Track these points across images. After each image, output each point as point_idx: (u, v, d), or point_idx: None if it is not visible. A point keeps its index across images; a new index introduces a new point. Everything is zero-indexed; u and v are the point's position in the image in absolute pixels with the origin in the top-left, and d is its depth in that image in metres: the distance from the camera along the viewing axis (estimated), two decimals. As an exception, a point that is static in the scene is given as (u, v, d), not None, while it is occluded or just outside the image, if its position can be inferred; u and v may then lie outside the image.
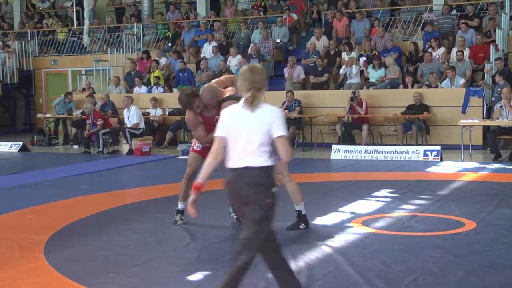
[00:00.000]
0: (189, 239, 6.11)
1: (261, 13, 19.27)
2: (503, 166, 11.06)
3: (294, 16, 18.43)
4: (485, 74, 14.16)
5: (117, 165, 12.54)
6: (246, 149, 3.86)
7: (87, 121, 14.96)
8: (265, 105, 3.96)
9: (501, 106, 11.95)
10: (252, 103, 3.90)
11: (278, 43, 17.50)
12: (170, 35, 19.38)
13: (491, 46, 14.36)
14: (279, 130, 3.87)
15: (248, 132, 3.87)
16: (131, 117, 14.58)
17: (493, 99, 12.94)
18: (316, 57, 16.12)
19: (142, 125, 14.71)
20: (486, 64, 14.21)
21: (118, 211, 7.66)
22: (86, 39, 19.75)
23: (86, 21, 19.53)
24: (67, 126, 17.13)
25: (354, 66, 15.24)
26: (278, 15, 18.41)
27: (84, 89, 18.34)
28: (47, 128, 17.37)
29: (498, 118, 11.98)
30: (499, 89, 12.66)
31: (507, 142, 13.22)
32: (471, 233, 6.12)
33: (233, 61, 16.90)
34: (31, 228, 6.82)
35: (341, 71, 15.44)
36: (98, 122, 14.71)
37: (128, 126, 14.59)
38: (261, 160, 3.86)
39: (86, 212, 7.54)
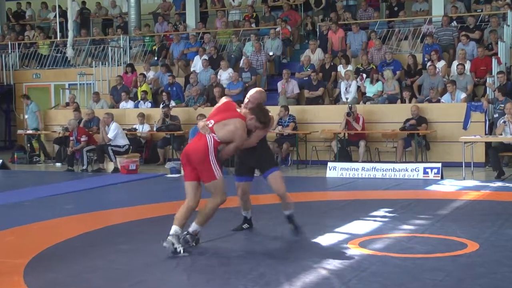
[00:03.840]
0: (178, 261, 6.08)
1: (253, 25, 19.37)
2: (507, 184, 11.10)
3: (289, 28, 18.53)
4: (487, 88, 14.26)
5: (102, 183, 12.50)
6: None
7: (71, 138, 14.94)
8: None
9: (504, 122, 12.02)
10: None
11: (271, 56, 17.58)
12: (156, 49, 19.44)
13: (493, 59, 14.47)
14: None
15: None
16: (110, 134, 14.51)
17: (496, 115, 13.02)
18: (310, 70, 16.19)
19: (123, 142, 14.65)
20: (488, 78, 14.31)
21: (103, 232, 7.63)
22: (69, 52, 19.76)
23: (70, 33, 19.56)
24: (44, 142, 17.16)
25: (354, 81, 15.32)
26: (271, 27, 18.50)
27: (67, 104, 18.33)
28: (28, 145, 17.34)
29: (501, 134, 12.04)
30: (502, 105, 12.74)
31: (510, 159, 13.29)
32: (474, 255, 6.12)
33: (224, 74, 16.96)
34: (10, 251, 6.78)
35: (341, 85, 15.49)
36: (82, 139, 14.69)
37: (112, 144, 14.54)
38: None
39: (69, 233, 7.51)
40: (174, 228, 6.28)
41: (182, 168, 6.67)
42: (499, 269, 5.64)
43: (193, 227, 6.48)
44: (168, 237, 6.22)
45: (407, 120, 13.73)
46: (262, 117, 6.66)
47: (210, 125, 6.42)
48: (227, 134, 6.43)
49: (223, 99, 6.87)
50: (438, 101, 14.23)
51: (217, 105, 6.84)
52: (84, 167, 14.71)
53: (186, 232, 6.44)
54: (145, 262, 6.10)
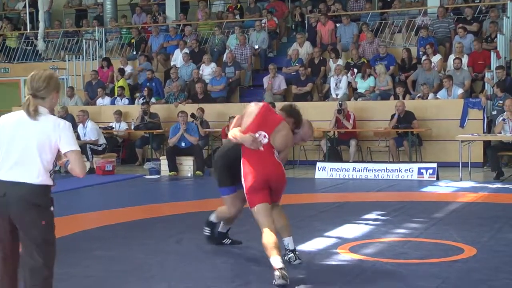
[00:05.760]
0: (158, 268, 6.08)
1: (237, 17, 19.36)
2: (506, 185, 11.19)
3: (276, 20, 18.55)
4: (485, 84, 14.35)
5: (76, 185, 12.43)
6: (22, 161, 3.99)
7: (42, 137, 14.85)
8: (51, 117, 4.07)
9: (503, 119, 12.10)
10: (29, 110, 4.01)
11: (256, 49, 17.59)
12: (134, 42, 19.37)
13: (492, 53, 14.56)
14: (68, 145, 4.03)
15: (25, 143, 3.99)
16: (89, 133, 14.48)
17: (495, 112, 13.11)
18: (298, 65, 16.22)
19: (102, 141, 14.63)
20: (486, 73, 14.40)
21: (77, 238, 7.61)
22: (40, 45, 19.67)
23: (41, 24, 19.47)
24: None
25: (344, 76, 15.34)
26: (256, 18, 18.51)
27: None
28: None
29: (500, 133, 12.12)
30: (500, 101, 12.83)
31: (510, 159, 13.38)
32: (471, 261, 6.17)
33: (207, 69, 16.95)
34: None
35: (331, 81, 15.51)
36: (54, 138, 14.60)
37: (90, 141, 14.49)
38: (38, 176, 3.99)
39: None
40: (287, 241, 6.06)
41: (251, 193, 5.82)
42: (497, 275, 5.68)
43: (289, 241, 6.09)
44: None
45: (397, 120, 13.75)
46: (299, 119, 6.22)
47: (266, 140, 5.84)
48: (283, 141, 5.95)
49: (256, 105, 6.14)
50: (426, 97, 14.27)
51: (252, 109, 6.07)
52: (56, 168, 14.58)
53: (290, 252, 6.08)
54: (122, 269, 6.09)
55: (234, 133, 5.94)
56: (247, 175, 5.81)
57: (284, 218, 6.12)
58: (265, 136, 5.85)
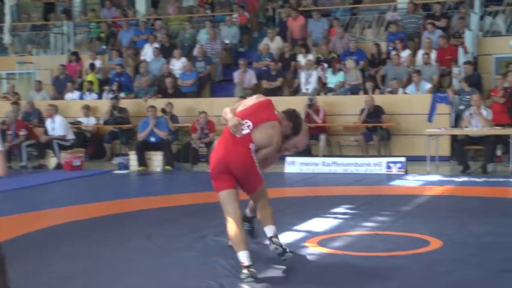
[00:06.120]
0: (127, 264, 6.05)
1: (208, 11, 19.32)
2: (472, 179, 11.34)
3: (247, 15, 18.53)
4: (453, 78, 14.50)
5: (43, 181, 12.37)
6: None
7: (8, 132, 14.71)
8: None
9: (470, 114, 12.25)
10: None
11: (227, 44, 17.56)
12: (104, 36, 19.22)
13: (460, 49, 14.70)
14: None
15: None
16: (57, 128, 14.40)
17: (462, 107, 13.26)
18: (269, 60, 16.24)
19: (70, 136, 14.54)
20: (453, 68, 14.55)
21: (43, 234, 7.54)
22: (7, 38, 19.44)
23: (7, 17, 19.24)
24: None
25: (314, 71, 15.39)
26: (227, 13, 18.48)
27: (6, 95, 18.02)
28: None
29: (467, 127, 12.27)
30: (468, 96, 12.99)
31: (476, 153, 13.55)
32: (437, 253, 6.24)
33: (177, 64, 16.89)
34: None
35: (302, 76, 15.55)
36: (21, 133, 14.51)
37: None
38: None
39: (4, 235, 7.38)
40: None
41: (213, 178, 5.70)
42: (462, 267, 5.76)
43: (268, 229, 5.97)
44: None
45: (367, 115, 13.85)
46: (298, 126, 6.07)
47: (247, 131, 5.69)
48: (262, 138, 5.74)
49: (259, 97, 6.11)
50: (396, 92, 14.40)
51: (252, 98, 6.11)
52: (23, 163, 14.51)
53: (271, 239, 5.93)
54: (90, 266, 6.04)
55: (226, 111, 5.82)
56: (211, 158, 5.79)
57: (267, 211, 5.98)
58: (248, 126, 5.73)
